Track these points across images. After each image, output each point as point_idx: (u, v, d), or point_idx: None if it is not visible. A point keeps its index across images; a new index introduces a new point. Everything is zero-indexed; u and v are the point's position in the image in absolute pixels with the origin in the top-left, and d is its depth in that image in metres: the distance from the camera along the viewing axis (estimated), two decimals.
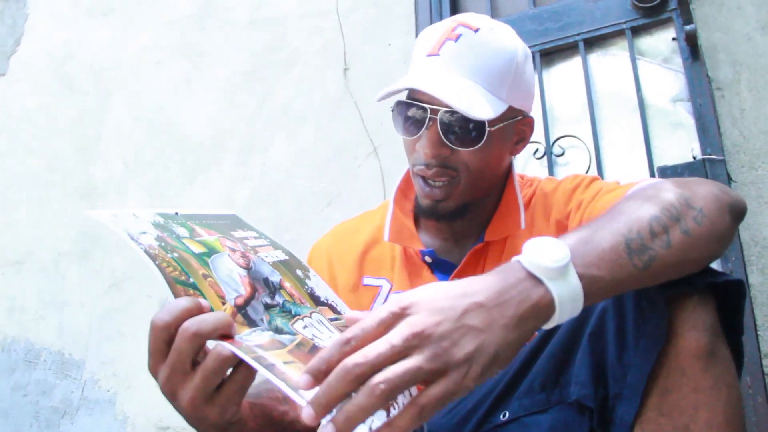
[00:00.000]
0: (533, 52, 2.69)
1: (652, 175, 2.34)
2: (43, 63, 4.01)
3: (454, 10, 3.00)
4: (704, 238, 1.09)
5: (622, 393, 1.16)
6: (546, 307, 0.94)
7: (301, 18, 3.35)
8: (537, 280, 0.96)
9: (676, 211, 1.09)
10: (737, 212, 1.19)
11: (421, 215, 1.56)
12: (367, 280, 1.65)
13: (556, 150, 2.55)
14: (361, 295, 1.64)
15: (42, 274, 3.49)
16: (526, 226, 1.55)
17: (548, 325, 0.96)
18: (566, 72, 2.68)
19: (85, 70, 3.86)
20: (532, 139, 2.54)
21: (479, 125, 1.43)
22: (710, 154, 2.29)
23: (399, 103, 1.48)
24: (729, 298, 1.15)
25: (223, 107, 3.39)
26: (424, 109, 1.44)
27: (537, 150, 2.58)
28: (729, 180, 2.25)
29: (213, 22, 3.59)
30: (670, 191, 1.14)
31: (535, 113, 2.58)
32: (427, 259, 1.58)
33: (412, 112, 1.46)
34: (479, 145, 1.45)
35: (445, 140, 1.44)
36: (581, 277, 0.96)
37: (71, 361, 3.22)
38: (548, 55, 2.73)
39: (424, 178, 1.48)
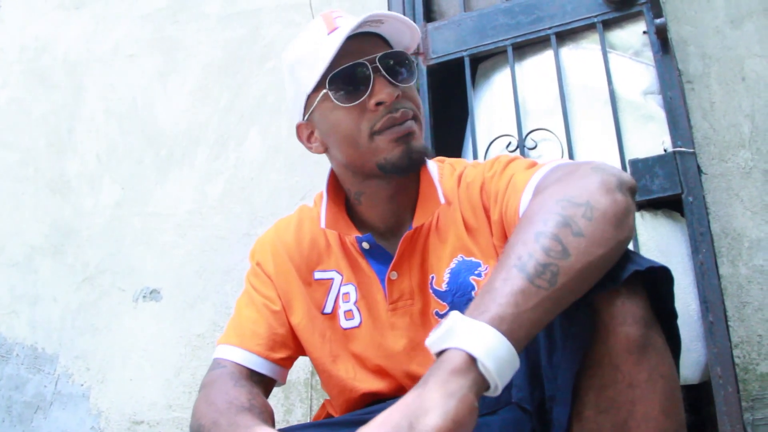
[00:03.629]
0: (505, 46, 2.70)
1: (624, 167, 2.35)
2: (15, 56, 3.99)
3: (427, 3, 3.01)
4: (602, 230, 1.08)
5: (555, 395, 1.18)
6: (466, 364, 0.95)
7: (274, 11, 3.35)
8: (442, 353, 0.99)
9: (561, 216, 1.09)
10: (628, 187, 1.19)
11: (392, 171, 1.51)
12: (318, 274, 1.66)
13: (529, 143, 2.55)
14: (315, 290, 1.65)
15: (14, 268, 3.47)
16: (451, 206, 1.57)
17: (494, 378, 0.96)
18: (538, 65, 2.69)
19: (57, 64, 3.84)
20: (504, 132, 2.58)
21: (409, 61, 1.53)
22: (681, 147, 2.31)
23: (334, 78, 1.48)
24: (660, 283, 1.16)
25: (197, 101, 3.38)
26: (363, 64, 1.47)
27: (510, 143, 2.59)
28: (699, 172, 2.27)
29: (186, 15, 3.58)
30: (550, 198, 1.15)
31: (508, 106, 2.61)
32: (365, 245, 1.59)
33: (351, 75, 1.47)
34: (414, 78, 1.53)
35: (394, 81, 1.48)
36: (489, 323, 0.97)
37: (44, 355, 3.21)
38: (520, 49, 2.73)
39: (392, 126, 1.48)
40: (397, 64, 1.50)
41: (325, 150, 1.60)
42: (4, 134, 3.81)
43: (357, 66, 1.46)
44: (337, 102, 1.48)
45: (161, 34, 3.61)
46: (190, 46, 3.52)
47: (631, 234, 1.15)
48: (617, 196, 1.14)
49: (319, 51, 1.49)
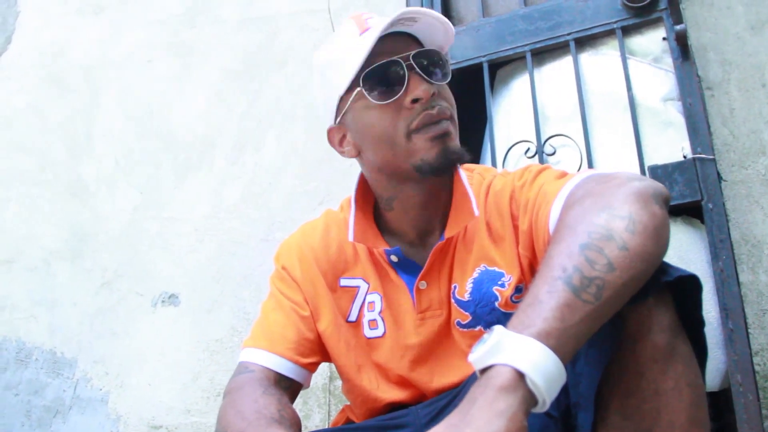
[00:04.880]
0: (524, 52, 2.70)
1: (643, 174, 2.34)
2: (33, 61, 4.01)
3: (445, 9, 3.00)
4: (643, 244, 1.07)
5: (579, 402, 1.17)
6: (514, 381, 0.93)
7: (291, 17, 3.36)
8: (488, 369, 0.97)
9: (604, 229, 1.07)
10: (663, 199, 1.19)
11: (429, 172, 1.50)
12: (344, 281, 1.65)
13: (548, 149, 2.55)
14: (340, 297, 1.64)
15: (32, 272, 3.48)
16: (481, 217, 1.55)
17: (543, 394, 0.94)
18: (557, 71, 2.68)
19: (75, 69, 3.85)
20: (523, 137, 2.58)
21: (444, 60, 1.51)
22: (700, 153, 2.30)
23: (368, 76, 1.47)
24: (688, 291, 1.15)
25: (214, 106, 3.39)
26: (397, 62, 1.46)
27: (528, 149, 2.58)
28: (719, 179, 2.26)
29: (203, 20, 3.59)
30: (591, 209, 1.13)
31: (526, 112, 2.61)
32: (393, 258, 1.58)
33: (386, 73, 1.46)
34: (449, 78, 1.52)
35: (430, 79, 1.47)
36: (536, 337, 0.96)
37: (63, 359, 3.22)
38: (539, 55, 2.73)
39: (429, 124, 1.47)
40: (431, 64, 1.49)
41: (358, 154, 1.58)
42: (21, 139, 3.83)
43: (391, 63, 1.45)
44: (372, 100, 1.46)
45: (178, 39, 3.62)
46: (207, 51, 3.52)
47: (667, 247, 1.14)
48: (655, 209, 1.13)
49: (351, 52, 1.48)
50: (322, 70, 1.57)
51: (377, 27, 1.47)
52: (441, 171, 1.50)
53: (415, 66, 1.45)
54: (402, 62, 1.45)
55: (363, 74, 1.46)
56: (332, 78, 1.52)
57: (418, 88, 1.44)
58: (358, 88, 1.47)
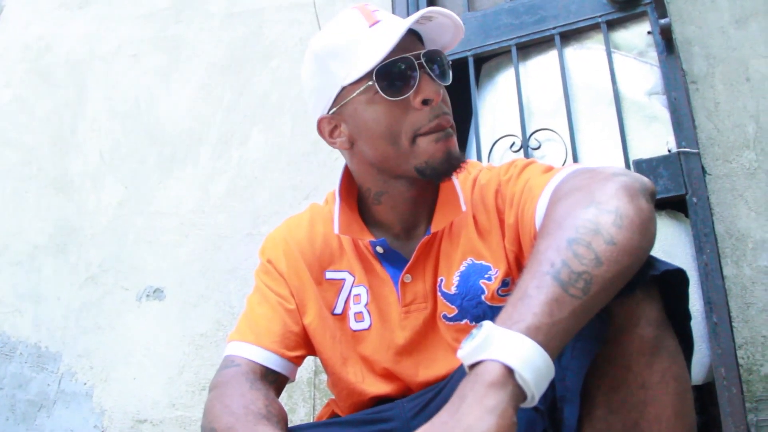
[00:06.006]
0: (509, 46, 2.70)
1: (628, 168, 2.35)
2: (18, 55, 3.99)
3: (431, 4, 3.00)
4: (630, 238, 1.07)
5: (566, 395, 1.17)
6: (503, 376, 0.93)
7: (278, 11, 3.35)
8: (477, 365, 0.96)
9: (592, 224, 1.07)
10: (649, 193, 1.19)
11: (431, 176, 1.48)
12: (329, 274, 1.64)
13: (533, 143, 2.56)
14: (326, 290, 1.63)
15: (17, 267, 3.47)
16: (468, 211, 1.55)
17: (531, 389, 0.94)
18: (542, 65, 2.69)
19: (61, 63, 3.84)
20: (508, 132, 2.58)
21: (448, 62, 1.50)
22: (685, 147, 2.31)
23: (381, 71, 1.41)
24: (674, 285, 1.15)
25: (200, 100, 3.38)
26: (409, 59, 1.42)
27: (513, 143, 2.59)
28: (704, 172, 2.27)
29: (189, 14, 3.58)
30: (578, 204, 1.13)
31: (512, 106, 2.61)
32: (379, 249, 1.57)
33: (397, 69, 1.42)
34: (451, 80, 1.50)
35: (438, 81, 1.45)
36: (525, 333, 0.95)
37: (47, 354, 3.21)
38: (524, 49, 2.73)
39: (436, 131, 1.45)
40: (438, 64, 1.45)
41: (351, 146, 1.54)
42: (7, 133, 3.81)
43: (404, 61, 1.41)
44: (383, 95, 1.42)
45: (164, 33, 3.61)
46: (193, 45, 3.52)
47: (654, 241, 1.14)
48: (642, 204, 1.13)
49: (362, 44, 1.44)
50: (323, 58, 1.50)
51: (389, 21, 1.45)
52: (443, 175, 1.48)
53: (425, 65, 1.42)
54: (413, 60, 1.42)
55: (377, 68, 1.41)
56: (336, 68, 1.47)
57: (429, 89, 1.41)
58: (369, 83, 1.43)
